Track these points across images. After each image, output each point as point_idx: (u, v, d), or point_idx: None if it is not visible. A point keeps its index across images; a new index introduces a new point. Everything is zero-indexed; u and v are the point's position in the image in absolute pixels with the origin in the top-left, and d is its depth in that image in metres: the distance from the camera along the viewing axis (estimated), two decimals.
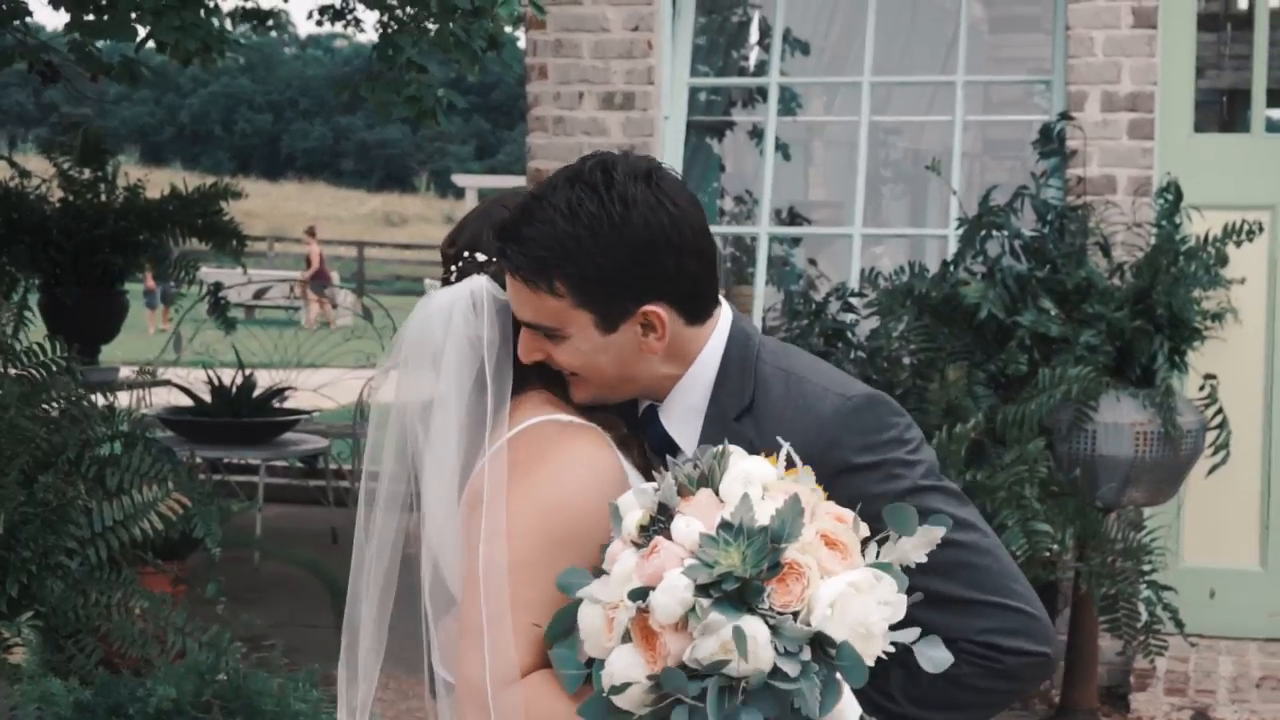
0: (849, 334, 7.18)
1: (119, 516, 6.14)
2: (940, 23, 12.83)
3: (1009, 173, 14.65)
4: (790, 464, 2.45)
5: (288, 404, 11.15)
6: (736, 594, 2.28)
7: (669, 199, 2.57)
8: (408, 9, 6.99)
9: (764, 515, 2.34)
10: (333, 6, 8.65)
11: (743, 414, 2.63)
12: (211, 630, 5.87)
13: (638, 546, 2.38)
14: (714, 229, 10.69)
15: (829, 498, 2.47)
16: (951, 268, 7.24)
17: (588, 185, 2.55)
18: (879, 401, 2.63)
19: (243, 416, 10.49)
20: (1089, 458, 6.81)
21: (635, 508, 2.43)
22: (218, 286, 11.45)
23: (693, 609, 2.28)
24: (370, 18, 7.36)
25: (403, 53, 6.16)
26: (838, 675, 2.31)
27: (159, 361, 12.24)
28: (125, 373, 11.52)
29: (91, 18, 6.50)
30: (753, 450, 2.52)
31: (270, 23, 9.54)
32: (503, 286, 2.66)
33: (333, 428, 11.87)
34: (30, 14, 7.81)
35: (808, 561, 2.33)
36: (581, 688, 2.44)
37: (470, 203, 30.35)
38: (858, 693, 2.44)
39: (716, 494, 2.40)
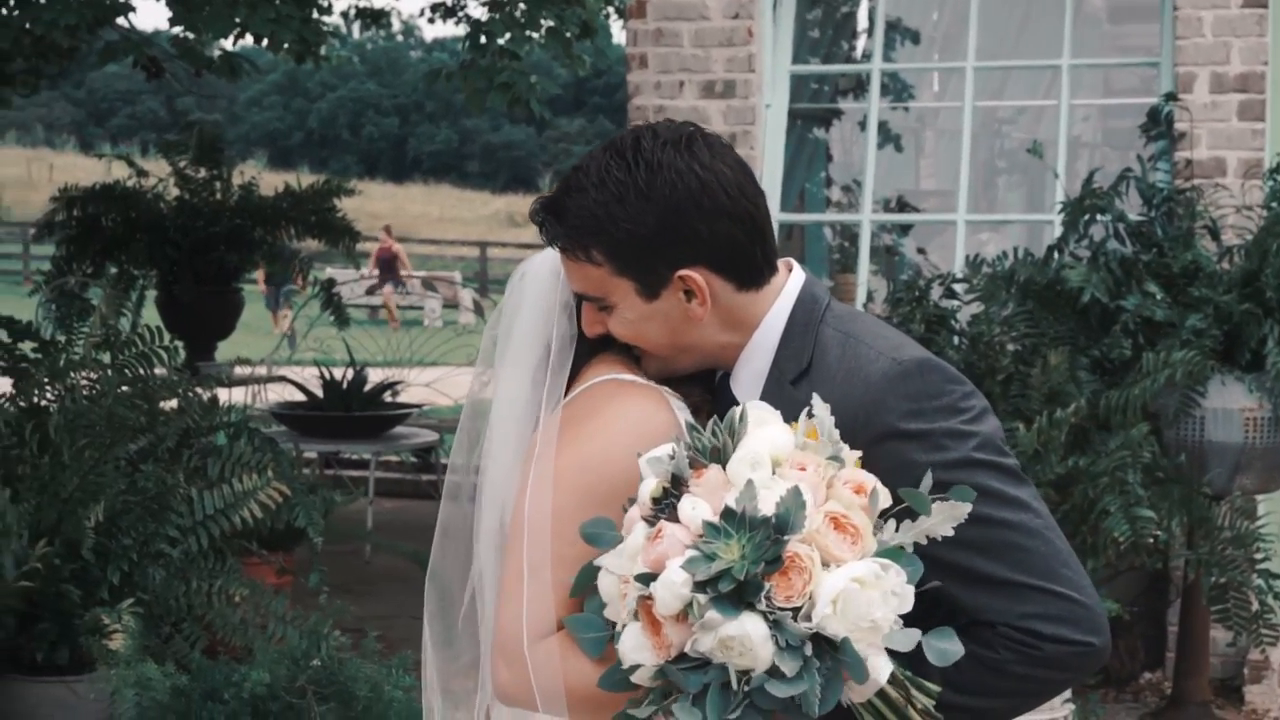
0: (951, 320, 7.10)
1: (219, 505, 6.21)
2: (1056, 12, 12.67)
3: (1128, 162, 14.44)
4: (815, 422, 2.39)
5: (400, 399, 11.21)
6: (735, 592, 2.24)
7: (700, 163, 2.55)
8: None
9: (769, 502, 2.28)
10: (444, 3, 8.69)
11: (799, 377, 2.58)
12: (312, 618, 5.90)
13: (648, 521, 2.35)
14: (817, 217, 10.67)
15: (867, 465, 2.42)
16: (1055, 253, 7.14)
17: (617, 153, 2.56)
18: (931, 367, 2.55)
19: (354, 411, 10.57)
20: (1197, 444, 6.68)
21: (651, 475, 2.39)
22: (330, 283, 11.55)
23: (691, 604, 2.24)
24: (482, 15, 7.41)
25: (495, 40, 6.16)
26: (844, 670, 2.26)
27: (273, 359, 12.39)
28: (239, 370, 11.66)
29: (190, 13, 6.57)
30: (798, 415, 2.48)
31: (383, 21, 9.60)
32: None
33: (444, 422, 11.92)
34: (133, 9, 7.91)
35: (810, 554, 2.27)
36: (610, 649, 2.40)
37: None
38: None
39: (725, 470, 2.35)
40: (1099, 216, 7.13)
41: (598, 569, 2.40)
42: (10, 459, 6.17)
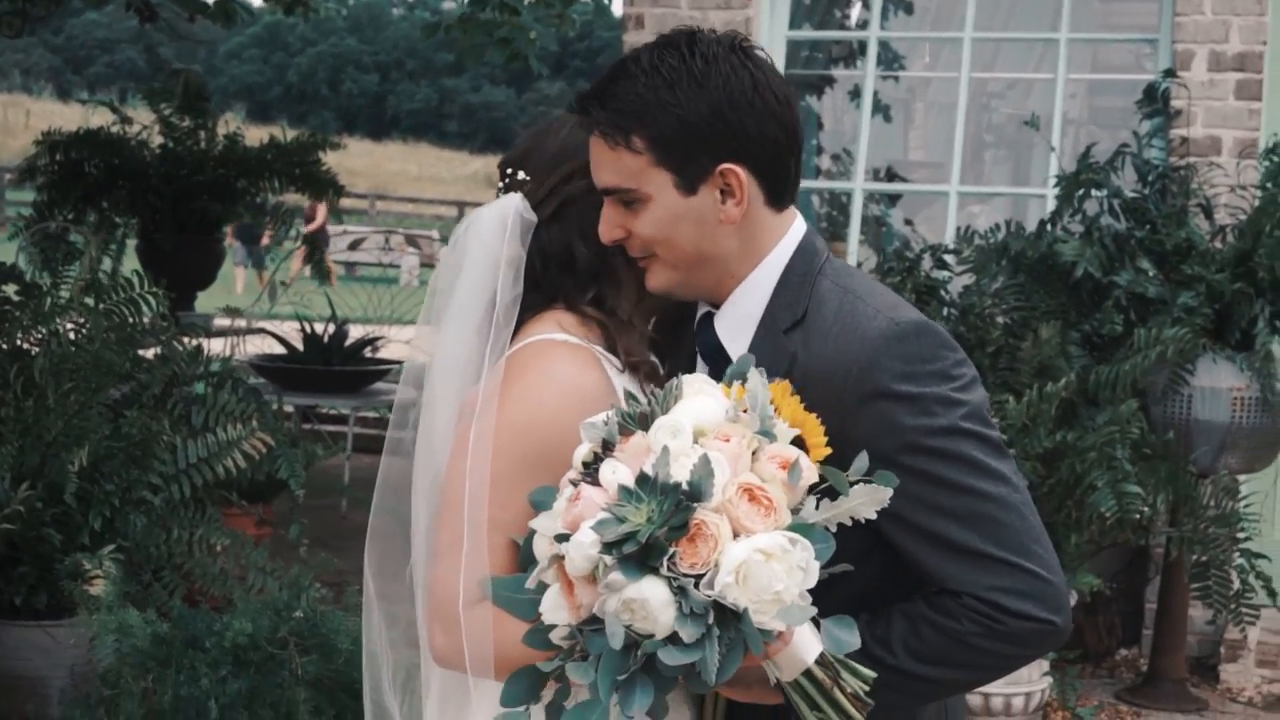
0: (942, 291, 7.08)
1: (203, 454, 6.16)
2: None
3: (1116, 141, 14.43)
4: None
5: (380, 355, 11.16)
6: (639, 555, 2.24)
7: (754, 64, 2.55)
8: None
9: (684, 469, 2.28)
10: None
11: (793, 326, 2.56)
12: (293, 570, 5.87)
13: (574, 485, 2.36)
14: (809, 184, 10.63)
15: (853, 424, 2.43)
16: (1049, 226, 7.13)
17: (671, 45, 2.55)
18: (929, 331, 2.53)
19: (334, 365, 10.52)
20: (1184, 421, 6.68)
21: (586, 440, 2.41)
22: (312, 237, 11.48)
23: (599, 565, 2.25)
24: None
25: None
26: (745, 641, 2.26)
27: (253, 312, 12.32)
28: (223, 320, 11.60)
29: None
30: (794, 364, 2.51)
31: None
32: (542, 202, 2.68)
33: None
34: None
35: (719, 523, 2.26)
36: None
37: None
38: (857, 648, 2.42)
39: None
40: (1094, 192, 7.11)
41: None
42: None
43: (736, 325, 2.61)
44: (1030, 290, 6.89)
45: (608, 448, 2.36)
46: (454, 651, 2.52)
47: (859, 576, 2.48)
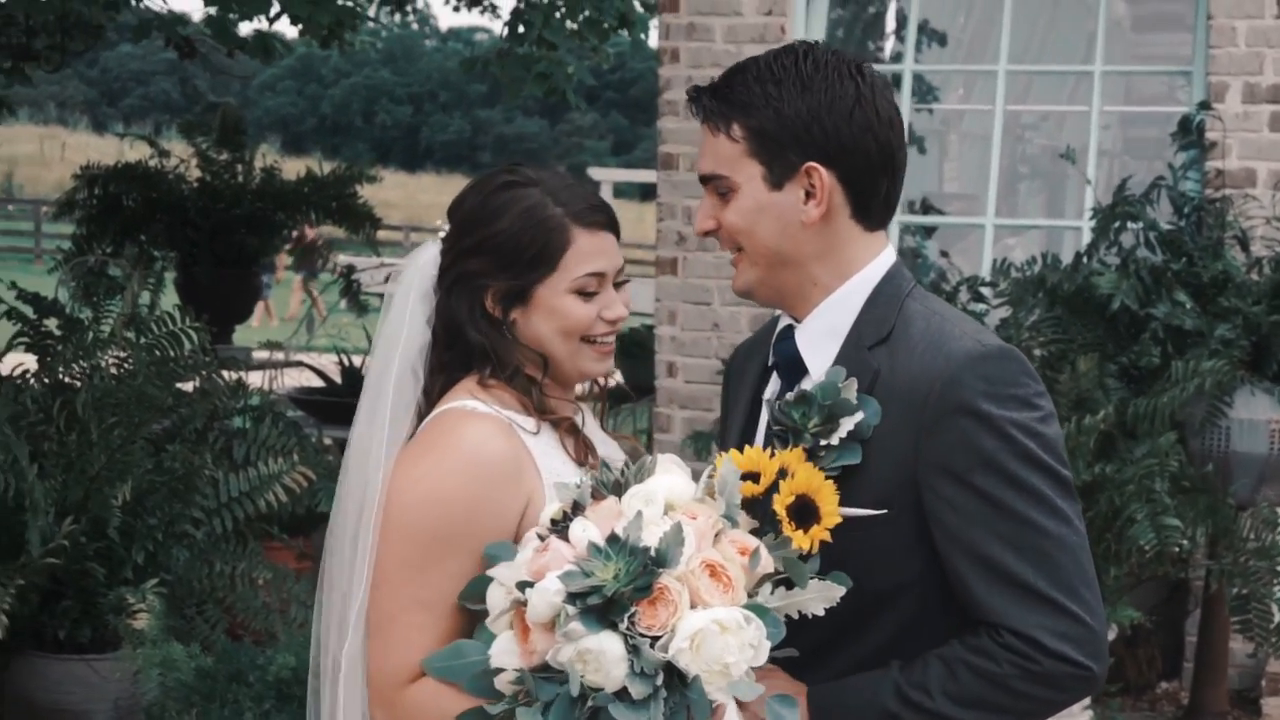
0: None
1: (245, 488, 6.21)
2: (1080, 18, 12.67)
3: (1149, 173, 14.44)
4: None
5: None
6: (601, 608, 2.32)
7: (864, 82, 2.63)
8: None
9: (654, 535, 2.37)
10: None
11: (878, 343, 2.60)
12: None
13: (541, 538, 2.45)
14: None
15: (933, 440, 2.48)
16: (1085, 259, 7.14)
17: (789, 51, 2.66)
18: (1014, 357, 2.56)
19: None
20: (1222, 454, 6.67)
21: (556, 500, 2.49)
22: (350, 270, 11.55)
23: (560, 613, 2.33)
24: (507, 4, 7.34)
25: (533, 28, 6.15)
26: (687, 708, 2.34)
27: (292, 344, 12.38)
28: (259, 354, 11.65)
29: None
30: (877, 380, 2.55)
31: (409, 8, 9.59)
32: (447, 267, 2.74)
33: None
34: None
35: (680, 590, 2.35)
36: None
37: (605, 196, 30.35)
38: (890, 683, 2.49)
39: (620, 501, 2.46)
40: (1130, 224, 7.12)
41: (489, 580, 2.50)
42: (37, 435, 6.16)
43: (819, 338, 2.65)
44: (1067, 323, 6.89)
45: (578, 509, 2.45)
46: None
47: (898, 610, 2.54)
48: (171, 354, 6.37)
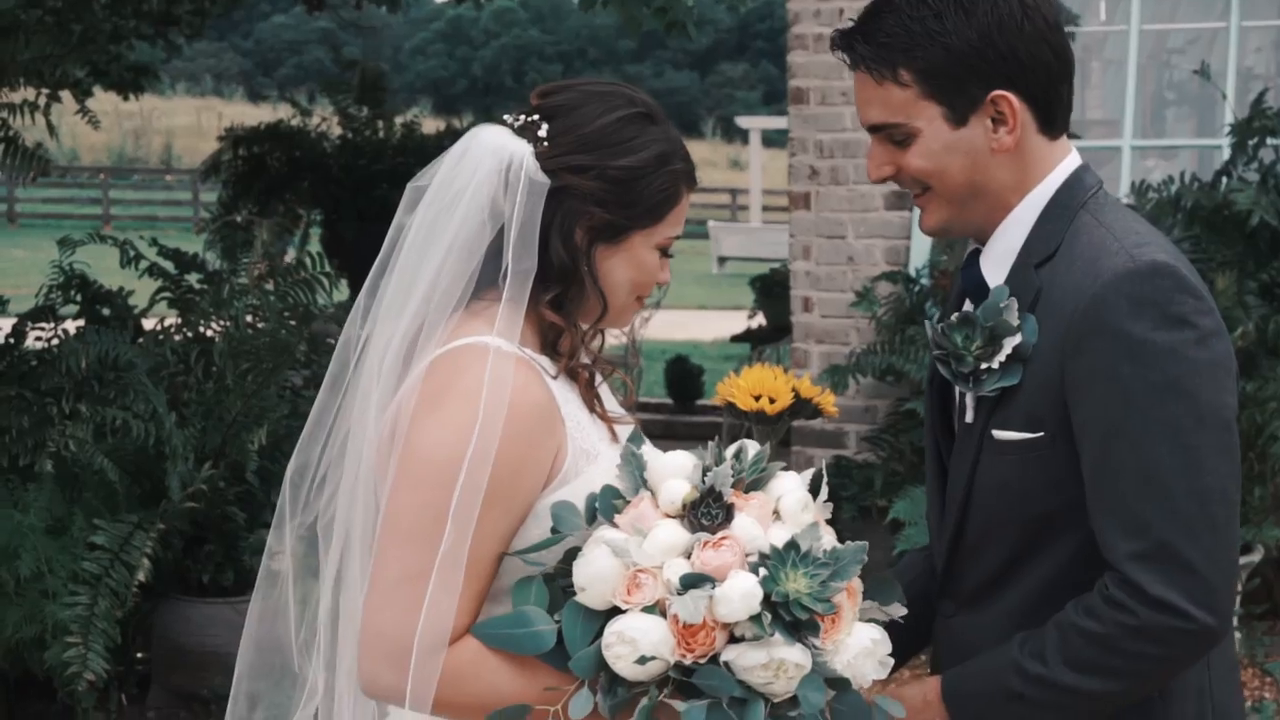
0: None
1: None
2: None
3: None
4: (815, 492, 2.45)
5: None
6: (795, 621, 2.28)
7: None
8: None
9: (823, 547, 2.34)
10: None
11: (1044, 261, 2.51)
12: None
13: (689, 525, 2.34)
14: None
15: (1072, 360, 2.41)
16: (1224, 176, 7.00)
17: None
18: (1165, 272, 2.40)
19: None
20: None
21: (679, 478, 2.37)
22: None
23: (758, 619, 2.27)
24: None
25: None
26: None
27: None
28: None
29: None
30: (1038, 298, 2.47)
31: None
32: (548, 173, 2.48)
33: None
34: None
35: (848, 606, 2.35)
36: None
37: (755, 146, 30.23)
38: (1011, 661, 2.46)
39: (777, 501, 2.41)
40: (1269, 139, 6.97)
41: (553, 544, 2.38)
42: (176, 385, 6.29)
43: (999, 259, 2.57)
44: (1206, 241, 6.76)
45: (715, 495, 2.34)
46: (400, 693, 2.39)
47: (1062, 540, 2.47)
48: (304, 301, 6.44)
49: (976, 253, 2.61)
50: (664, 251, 2.58)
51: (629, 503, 2.38)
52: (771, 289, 12.76)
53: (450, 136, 11.76)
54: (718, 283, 25.39)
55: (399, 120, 11.96)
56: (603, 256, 2.53)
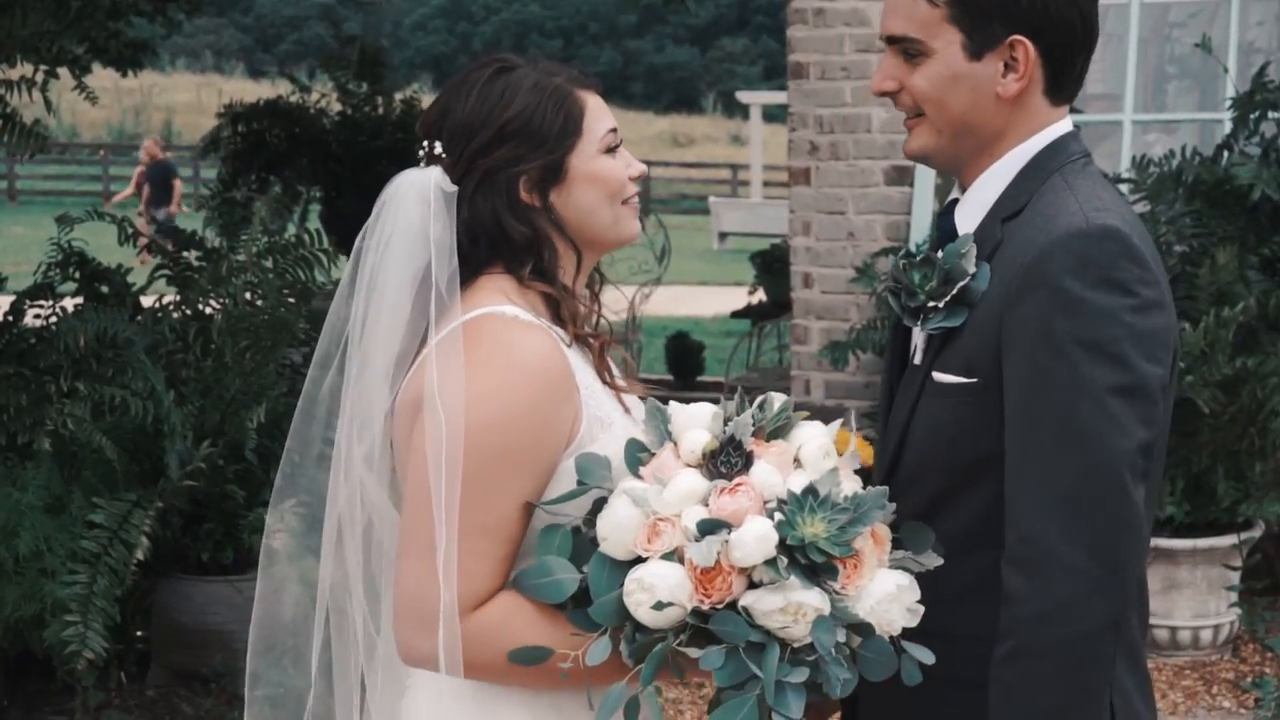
0: None
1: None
2: None
3: None
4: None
5: None
6: (811, 566, 2.30)
7: None
8: None
9: (844, 492, 2.36)
10: None
11: (1011, 217, 2.52)
12: None
13: (707, 472, 2.38)
14: None
15: (1011, 309, 2.42)
16: (1225, 151, 6.97)
17: None
18: (1117, 238, 2.41)
19: None
20: None
21: (699, 429, 2.41)
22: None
23: (773, 563, 2.29)
24: None
25: None
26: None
27: None
28: None
29: None
30: (996, 249, 2.49)
31: None
32: (464, 174, 2.56)
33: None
34: None
35: (871, 551, 2.36)
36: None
37: (755, 121, 30.15)
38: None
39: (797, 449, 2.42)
40: (1270, 113, 6.94)
41: (579, 495, 2.43)
42: (175, 363, 6.27)
43: (973, 210, 2.59)
44: (1207, 216, 6.74)
45: (735, 444, 2.38)
46: (429, 656, 2.46)
47: (984, 487, 2.48)
48: (303, 278, 6.42)
49: (954, 203, 2.64)
50: (610, 150, 2.62)
51: (654, 455, 2.43)
52: (772, 265, 12.74)
53: None
54: (718, 258, 25.37)
55: (398, 96, 11.93)
56: (559, 198, 2.59)
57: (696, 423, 2.43)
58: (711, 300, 18.75)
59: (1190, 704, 6.26)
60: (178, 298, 6.67)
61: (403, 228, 2.55)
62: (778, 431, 2.44)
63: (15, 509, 5.61)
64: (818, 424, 2.45)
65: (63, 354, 6.26)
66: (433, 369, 2.47)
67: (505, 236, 2.57)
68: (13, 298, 6.82)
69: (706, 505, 2.35)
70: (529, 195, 2.58)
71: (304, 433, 2.82)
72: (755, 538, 2.29)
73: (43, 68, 8.20)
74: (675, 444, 2.42)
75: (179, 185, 22.73)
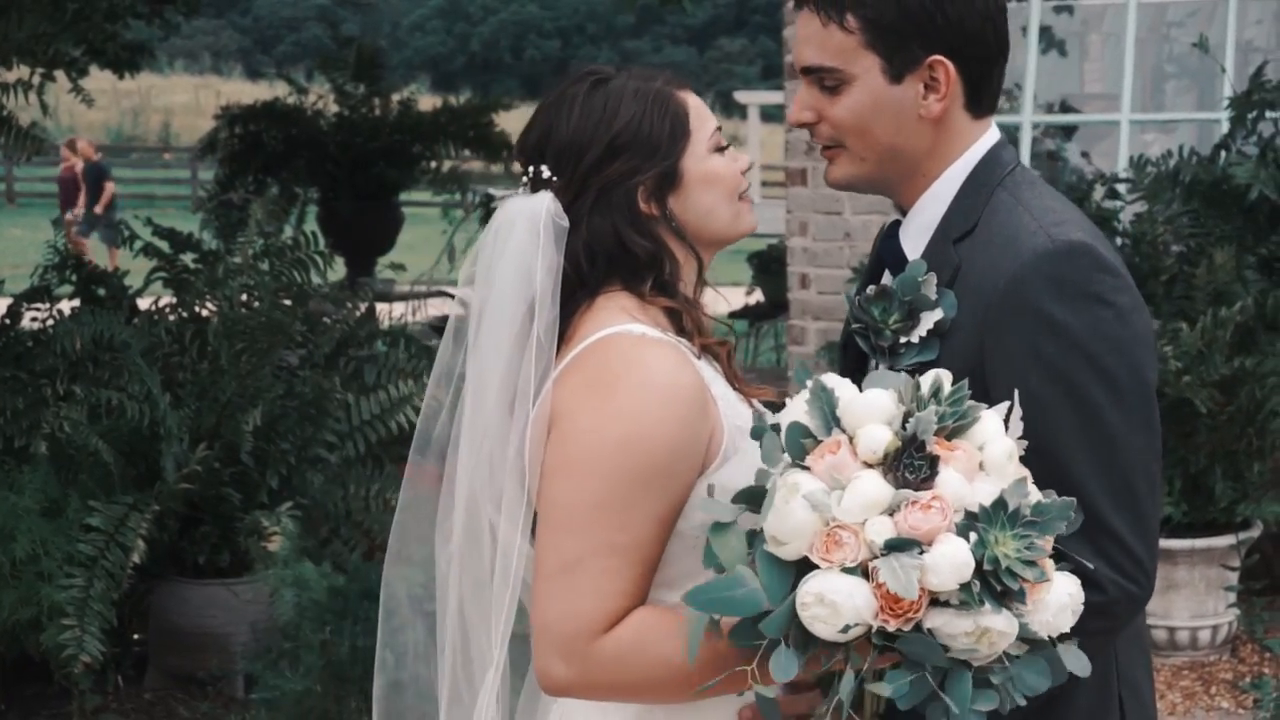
0: (1114, 221, 6.95)
1: (375, 411, 6.27)
2: None
3: None
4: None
5: None
6: (1001, 592, 2.16)
7: None
8: None
9: (1029, 502, 2.21)
10: None
11: (963, 237, 2.49)
12: None
13: (893, 479, 2.20)
14: None
15: (993, 338, 2.38)
16: (1222, 150, 6.96)
17: None
18: (1085, 251, 2.41)
19: None
20: None
21: (878, 423, 2.23)
22: (488, 198, 11.58)
23: (967, 587, 2.15)
24: None
25: None
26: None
27: (431, 276, 12.47)
28: (402, 286, 11.75)
29: None
30: (956, 275, 2.45)
31: None
32: (565, 208, 2.48)
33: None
34: None
35: (1051, 565, 2.21)
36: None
37: (753, 121, 30.12)
38: None
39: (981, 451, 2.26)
40: (1268, 113, 6.93)
41: (760, 493, 2.25)
42: (171, 366, 6.27)
43: (918, 232, 2.56)
44: (1204, 216, 6.73)
45: (918, 444, 2.21)
46: (575, 684, 2.41)
47: None
48: (299, 280, 6.42)
49: (897, 224, 2.61)
50: (719, 149, 2.57)
51: (818, 442, 2.25)
52: (769, 265, 12.74)
53: (447, 113, 11.76)
54: (716, 258, 25.24)
55: (396, 98, 11.93)
56: (678, 204, 2.54)
57: (874, 414, 2.24)
58: (708, 300, 18.70)
59: (1188, 704, 6.25)
60: (174, 300, 6.67)
61: (512, 262, 2.47)
62: (958, 429, 2.26)
63: (11, 512, 5.60)
64: (994, 415, 2.28)
65: (59, 357, 6.27)
66: (563, 392, 2.43)
67: (626, 252, 2.51)
68: (9, 301, 6.82)
69: (891, 515, 2.18)
70: (648, 206, 2.52)
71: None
72: (952, 565, 2.13)
73: (39, 70, 8.21)
74: (849, 437, 2.24)
75: (110, 187, 22.78)
